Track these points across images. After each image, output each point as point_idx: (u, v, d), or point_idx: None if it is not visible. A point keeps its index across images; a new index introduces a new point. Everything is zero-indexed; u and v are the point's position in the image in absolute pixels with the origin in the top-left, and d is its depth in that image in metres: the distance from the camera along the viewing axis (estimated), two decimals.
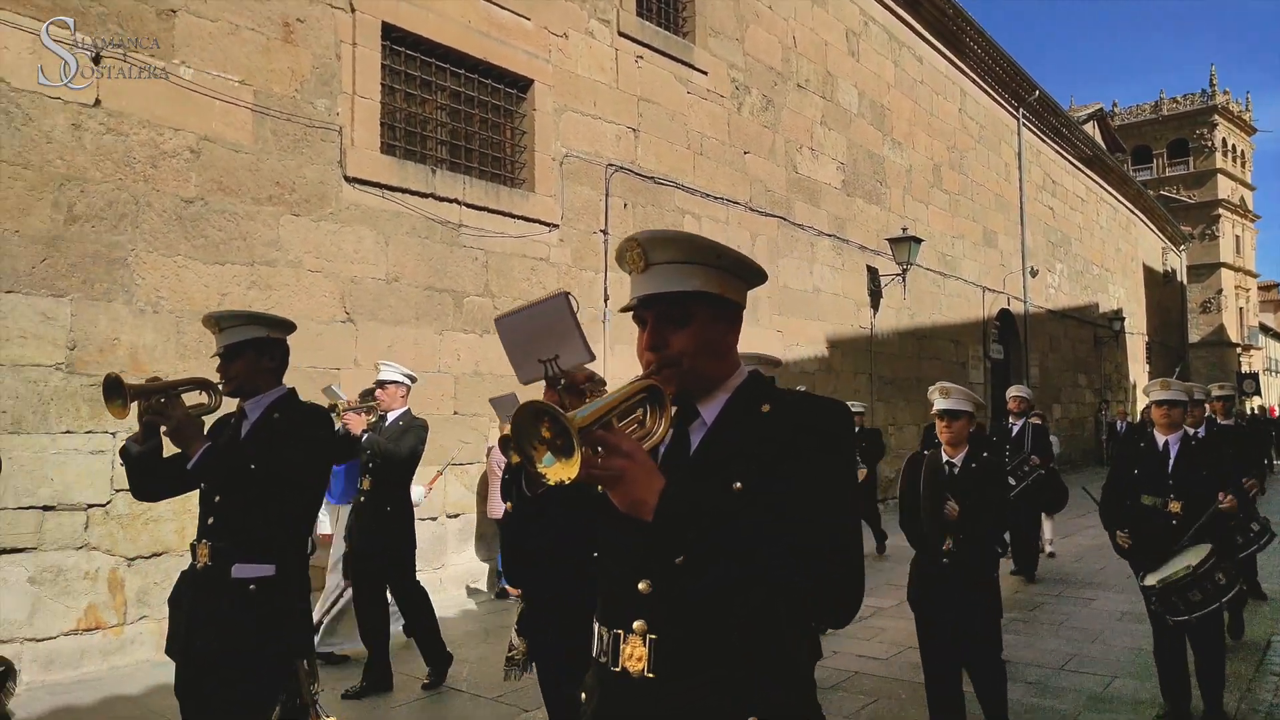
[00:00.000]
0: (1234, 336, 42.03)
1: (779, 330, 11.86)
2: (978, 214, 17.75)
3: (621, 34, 9.60)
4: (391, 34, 7.37)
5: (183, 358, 5.91)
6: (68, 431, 5.32)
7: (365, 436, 5.18)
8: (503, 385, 8.07)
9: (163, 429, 2.88)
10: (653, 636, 1.45)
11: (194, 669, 2.82)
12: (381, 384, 5.40)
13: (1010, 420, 8.79)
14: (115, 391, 2.86)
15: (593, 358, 1.48)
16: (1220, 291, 41.66)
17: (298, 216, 6.62)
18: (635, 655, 1.47)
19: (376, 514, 5.14)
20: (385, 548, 5.16)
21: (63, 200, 5.37)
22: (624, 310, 1.59)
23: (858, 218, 13.76)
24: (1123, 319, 24.93)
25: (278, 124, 6.51)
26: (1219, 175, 41.72)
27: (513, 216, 8.30)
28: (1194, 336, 40.12)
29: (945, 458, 4.10)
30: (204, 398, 3.12)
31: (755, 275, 1.62)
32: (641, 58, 9.85)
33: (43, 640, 5.09)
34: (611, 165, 9.39)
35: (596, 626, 1.57)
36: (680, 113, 10.37)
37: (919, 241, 13.94)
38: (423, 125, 7.82)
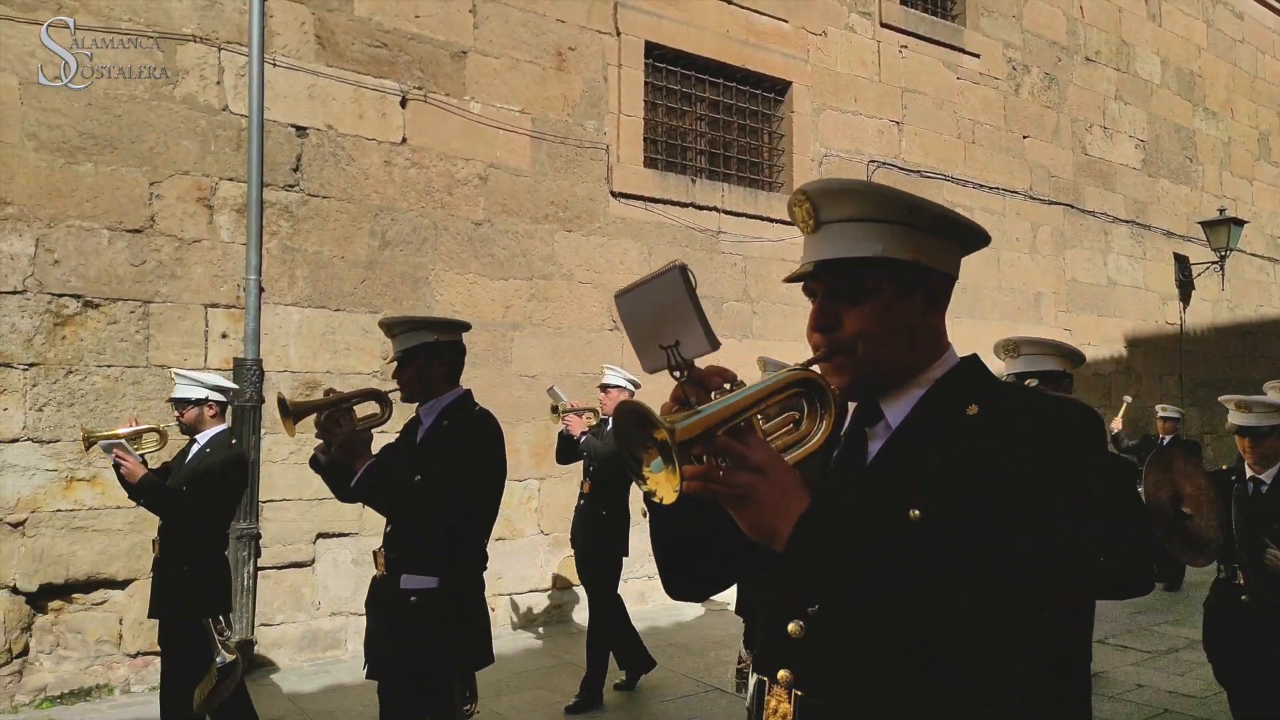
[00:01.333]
0: None
1: (1066, 329, 10.82)
2: None
3: (884, 25, 9.26)
4: (654, 52, 7.66)
5: (474, 365, 6.46)
6: (382, 432, 6.07)
7: (584, 439, 5.21)
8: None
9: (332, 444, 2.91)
10: (799, 692, 1.17)
11: (375, 673, 2.93)
12: (604, 387, 5.42)
13: None
14: (284, 410, 2.96)
15: (715, 346, 1.20)
16: None
17: (570, 232, 7.08)
18: (779, 711, 1.20)
19: (595, 518, 5.18)
20: (601, 552, 5.17)
21: (377, 228, 6.15)
22: (789, 280, 1.29)
23: (1161, 200, 12.21)
24: None
25: (552, 147, 7.01)
26: None
27: (770, 220, 8.29)
28: None
29: (1249, 473, 3.52)
30: (376, 409, 3.16)
31: (971, 235, 1.28)
32: (905, 47, 9.44)
33: (363, 615, 5.86)
34: (873, 161, 9.09)
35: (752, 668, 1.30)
36: (949, 100, 9.80)
37: (1241, 224, 12.09)
38: (682, 137, 8.05)
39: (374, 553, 3.02)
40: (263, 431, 5.59)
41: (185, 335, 5.43)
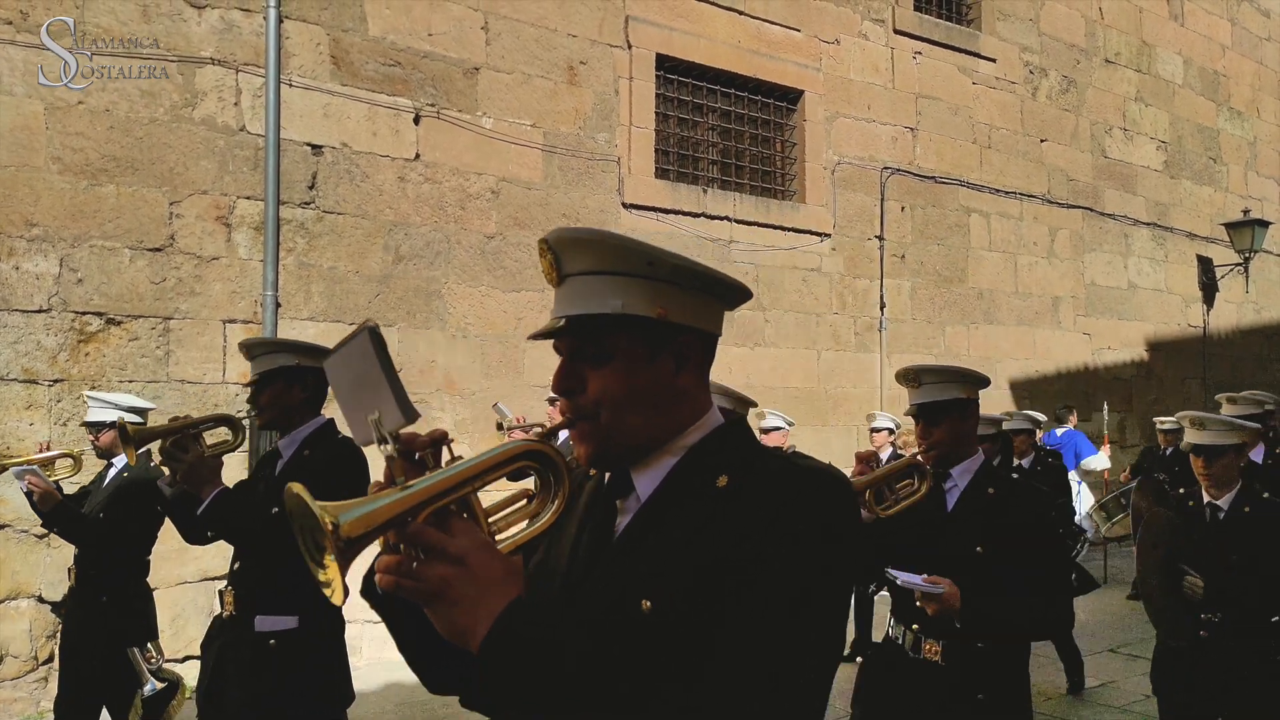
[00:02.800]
0: None
1: (1085, 333, 10.75)
2: None
3: (898, 31, 9.25)
4: (665, 64, 7.73)
5: (487, 376, 6.64)
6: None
7: None
8: (774, 398, 8.14)
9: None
10: None
11: (217, 715, 2.75)
12: (552, 400, 5.23)
13: None
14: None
15: (412, 418, 1.04)
16: None
17: None
18: None
19: None
20: None
21: (391, 243, 6.28)
22: (534, 337, 1.19)
23: (1184, 202, 12.08)
24: None
25: (563, 160, 7.10)
26: None
27: (783, 229, 8.33)
28: None
29: (1207, 499, 3.20)
30: (228, 435, 3.04)
31: (725, 290, 1.16)
32: (920, 53, 9.42)
33: (377, 623, 5.98)
34: (887, 168, 9.09)
35: None
36: (964, 105, 9.77)
37: (1266, 225, 11.93)
38: (694, 147, 8.11)
39: (219, 592, 2.81)
40: None
41: (204, 351, 5.59)
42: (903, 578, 2.29)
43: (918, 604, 2.30)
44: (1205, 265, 12.21)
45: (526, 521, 1.11)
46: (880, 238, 9.03)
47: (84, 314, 5.24)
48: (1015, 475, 4.88)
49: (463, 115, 6.62)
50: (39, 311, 5.12)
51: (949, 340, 9.51)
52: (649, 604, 1.01)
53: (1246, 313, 12.83)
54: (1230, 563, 2.95)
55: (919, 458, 2.49)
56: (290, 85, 5.90)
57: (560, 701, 0.93)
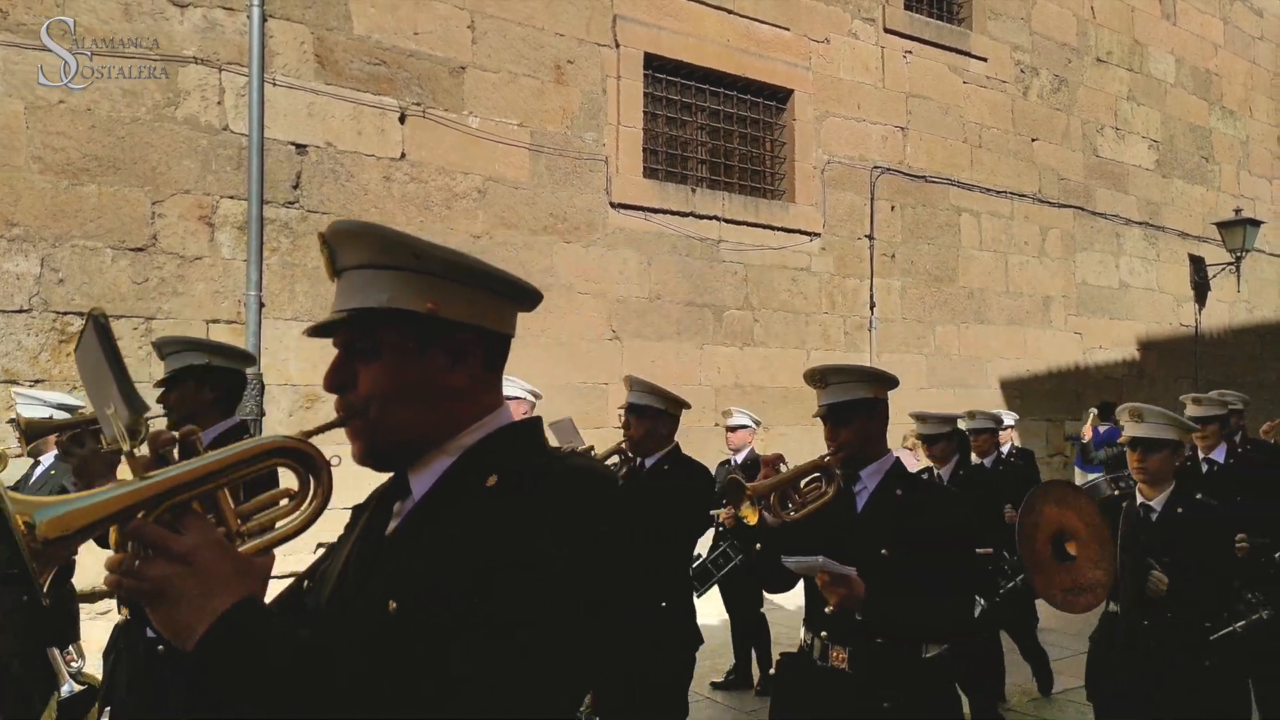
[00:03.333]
0: None
1: (1077, 333, 10.75)
2: None
3: (888, 30, 9.24)
4: (653, 63, 7.71)
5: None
6: None
7: None
8: (763, 397, 8.14)
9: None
10: None
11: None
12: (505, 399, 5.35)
13: None
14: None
15: (138, 411, 0.99)
16: None
17: (569, 243, 7.15)
18: None
19: None
20: None
21: None
22: (311, 333, 1.16)
23: (1176, 201, 12.08)
24: None
25: (550, 159, 7.08)
26: None
27: (772, 228, 8.31)
28: None
29: (1141, 499, 3.10)
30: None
31: (508, 288, 1.15)
32: (910, 52, 9.41)
33: None
34: (877, 167, 9.08)
35: None
36: (955, 105, 9.76)
37: (1257, 224, 11.93)
38: (683, 147, 8.09)
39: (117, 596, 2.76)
40: None
41: None
42: (796, 560, 2.22)
43: (819, 587, 2.26)
44: (1197, 264, 12.22)
45: (275, 522, 1.07)
46: (870, 237, 9.02)
47: (65, 314, 5.22)
48: (969, 473, 4.89)
49: (449, 114, 6.60)
50: (19, 311, 5.10)
51: (939, 340, 9.50)
52: (394, 604, 0.99)
53: (1239, 312, 12.84)
54: (1162, 566, 2.85)
55: (826, 459, 2.44)
56: (274, 84, 5.88)
57: (285, 704, 0.89)
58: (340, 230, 1.11)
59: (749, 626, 5.45)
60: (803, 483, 2.47)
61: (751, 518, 2.37)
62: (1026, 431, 10.18)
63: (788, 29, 8.50)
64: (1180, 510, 2.97)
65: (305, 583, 1.26)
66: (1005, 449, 6.44)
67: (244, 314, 5.69)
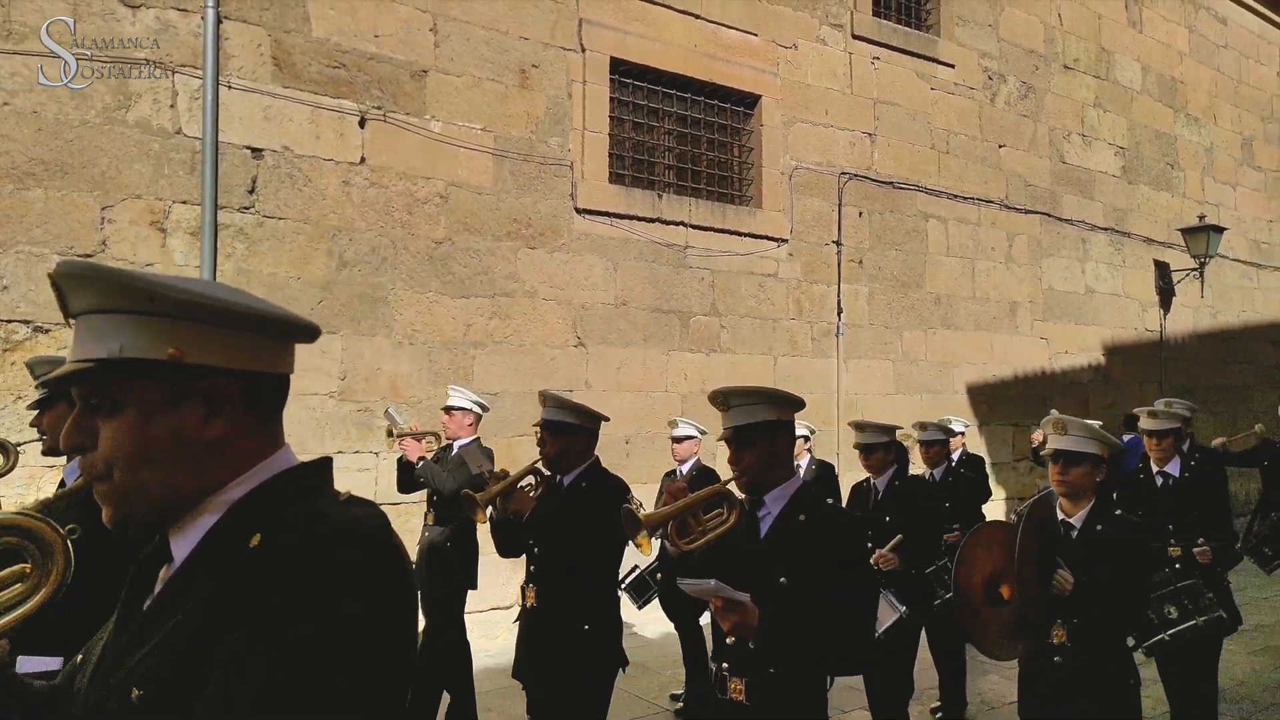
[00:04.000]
0: None
1: (1043, 338, 10.83)
2: None
3: (856, 37, 9.26)
4: (619, 68, 7.66)
5: (435, 384, 6.55)
6: (339, 451, 6.10)
7: (420, 465, 4.79)
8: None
9: None
10: None
11: None
12: (448, 409, 5.13)
13: None
14: None
15: None
16: None
17: (533, 249, 7.09)
18: None
19: (438, 551, 4.85)
20: (444, 588, 4.83)
21: (335, 249, 6.17)
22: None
23: (1142, 207, 12.20)
24: None
25: (515, 164, 7.02)
26: None
27: (739, 234, 8.30)
28: None
29: (1061, 516, 3.07)
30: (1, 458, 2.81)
31: (265, 325, 1.04)
32: (878, 58, 9.43)
33: None
34: (845, 173, 9.09)
35: None
36: (922, 111, 9.80)
37: (1220, 230, 12.09)
38: (650, 152, 8.05)
39: None
40: None
41: None
42: (690, 583, 2.14)
43: (714, 613, 2.19)
44: (1162, 270, 12.35)
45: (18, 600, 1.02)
46: (838, 243, 9.03)
47: (10, 322, 5.10)
48: (911, 484, 4.83)
49: (410, 118, 6.52)
50: None
51: (906, 345, 9.53)
52: (138, 693, 0.92)
53: (1203, 317, 13.00)
54: (1079, 584, 2.80)
55: (728, 485, 2.39)
56: (229, 87, 5.78)
57: None
58: (66, 271, 1.00)
59: (693, 635, 5.35)
60: (706, 511, 2.38)
61: (646, 548, 2.34)
62: (993, 436, 10.25)
63: (755, 34, 8.49)
64: (1100, 527, 2.93)
65: (79, 659, 1.16)
66: (957, 454, 6.48)
67: None
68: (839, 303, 9.01)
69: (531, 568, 3.40)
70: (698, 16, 8.09)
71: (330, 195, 6.18)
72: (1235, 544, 4.30)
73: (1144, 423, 4.29)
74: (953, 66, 10.06)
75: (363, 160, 6.32)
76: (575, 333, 7.31)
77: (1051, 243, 10.99)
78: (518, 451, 6.87)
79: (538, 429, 3.48)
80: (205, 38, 5.63)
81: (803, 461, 6.50)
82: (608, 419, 3.61)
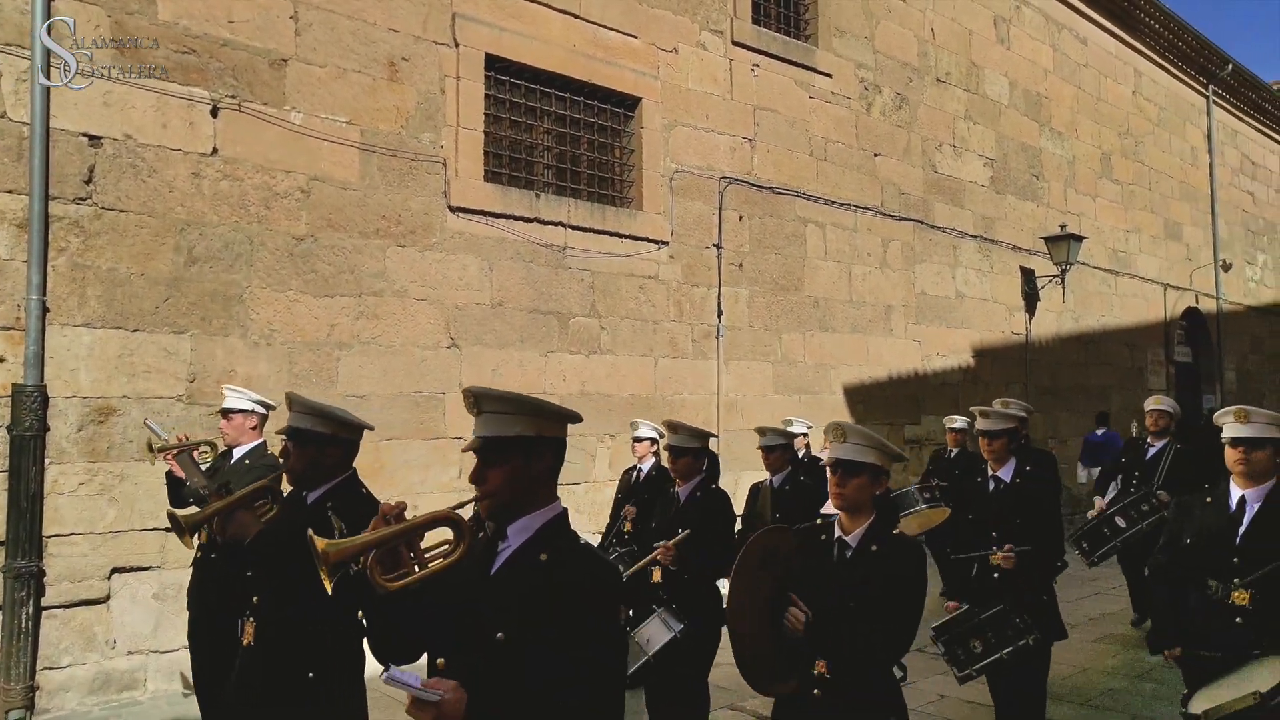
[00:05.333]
0: None
1: (916, 340, 11.22)
2: (1157, 205, 16.10)
3: (736, 43, 9.38)
4: (495, 64, 7.54)
5: (296, 386, 6.25)
6: None
7: (190, 484, 4.10)
8: (610, 405, 8.09)
9: None
10: None
11: None
12: (224, 413, 4.63)
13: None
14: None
15: None
16: None
17: (404, 247, 6.89)
18: None
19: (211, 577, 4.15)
20: (214, 619, 4.08)
21: (183, 244, 5.84)
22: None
23: (1009, 216, 12.80)
24: None
25: (383, 160, 6.81)
26: None
27: (620, 236, 8.28)
28: None
29: (838, 533, 2.74)
30: None
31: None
32: (758, 66, 9.59)
33: (165, 652, 5.56)
34: (725, 178, 9.19)
35: None
36: (801, 119, 10.01)
37: (1080, 239, 12.80)
38: (528, 151, 7.95)
39: None
40: (47, 462, 5.22)
41: None
42: (396, 675, 1.67)
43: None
44: (1028, 276, 12.99)
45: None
46: (718, 246, 9.13)
47: None
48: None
49: (269, 109, 6.24)
50: None
51: (785, 347, 9.71)
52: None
53: (1066, 321, 13.73)
54: (848, 610, 2.51)
55: (459, 509, 2.05)
56: (63, 70, 5.39)
57: None
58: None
59: None
60: (431, 534, 2.00)
61: (327, 584, 1.92)
62: None
63: (636, 37, 8.50)
64: (875, 547, 2.63)
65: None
66: (801, 454, 6.64)
67: (24, 320, 5.18)
68: (719, 305, 9.10)
69: (254, 599, 2.85)
70: (577, 16, 8.03)
71: (179, 187, 5.84)
72: (1060, 555, 4.28)
73: (978, 423, 4.32)
74: (830, 76, 10.32)
75: (215, 151, 6.01)
76: (449, 333, 7.14)
77: (924, 249, 11.40)
78: (385, 457, 6.67)
79: (282, 438, 3.01)
80: (34, 15, 5.23)
81: (645, 465, 6.41)
82: (371, 427, 3.21)
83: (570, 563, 1.92)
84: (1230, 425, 3.11)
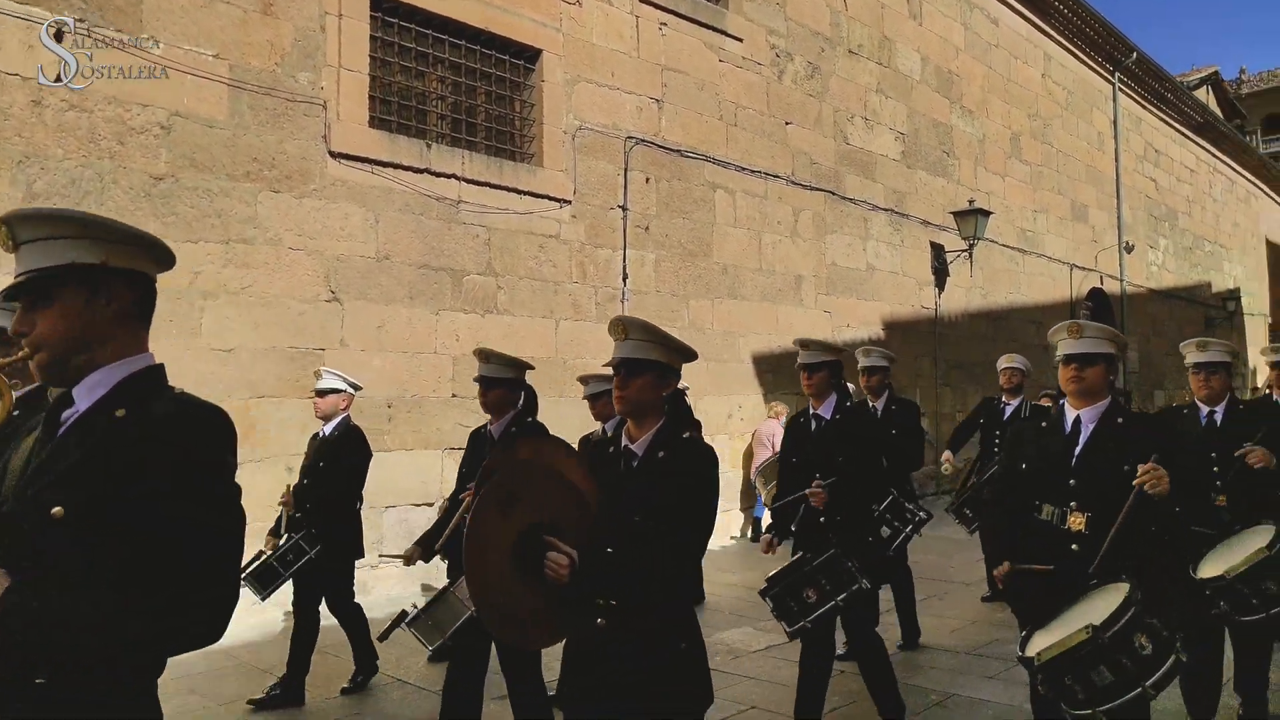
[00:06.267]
0: None
1: (827, 311, 11.19)
2: (1064, 187, 16.46)
3: (644, 0, 9.14)
4: (382, 4, 7.15)
5: (154, 338, 5.81)
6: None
7: None
8: None
9: None
10: None
11: None
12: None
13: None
14: None
15: None
16: None
17: (277, 193, 6.48)
18: None
19: None
20: None
21: (21, 178, 5.35)
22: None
23: (920, 191, 12.88)
24: (1238, 299, 22.88)
25: (255, 99, 6.37)
26: None
27: (518, 192, 7.98)
28: None
29: (625, 442, 2.47)
30: None
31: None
32: (666, 24, 9.37)
33: None
34: (632, 138, 8.96)
35: None
36: (711, 82, 9.84)
37: (987, 214, 12.95)
38: (421, 99, 7.58)
39: None
40: None
41: None
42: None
43: None
44: (937, 251, 13.10)
45: None
46: (624, 208, 8.90)
47: None
48: None
49: (123, 36, 5.76)
50: None
51: (693, 314, 9.55)
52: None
53: (975, 297, 13.91)
54: (633, 526, 2.27)
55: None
56: None
57: None
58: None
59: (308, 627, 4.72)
60: None
61: None
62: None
63: None
64: (663, 454, 2.34)
65: None
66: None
67: None
68: (624, 268, 8.88)
69: None
70: None
71: (15, 116, 5.34)
72: (886, 491, 4.14)
73: (799, 355, 4.08)
74: (741, 40, 10.17)
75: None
76: (328, 286, 6.75)
77: (835, 220, 11.37)
78: (256, 415, 6.27)
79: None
80: None
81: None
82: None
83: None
84: (1063, 342, 2.86)
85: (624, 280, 8.86)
